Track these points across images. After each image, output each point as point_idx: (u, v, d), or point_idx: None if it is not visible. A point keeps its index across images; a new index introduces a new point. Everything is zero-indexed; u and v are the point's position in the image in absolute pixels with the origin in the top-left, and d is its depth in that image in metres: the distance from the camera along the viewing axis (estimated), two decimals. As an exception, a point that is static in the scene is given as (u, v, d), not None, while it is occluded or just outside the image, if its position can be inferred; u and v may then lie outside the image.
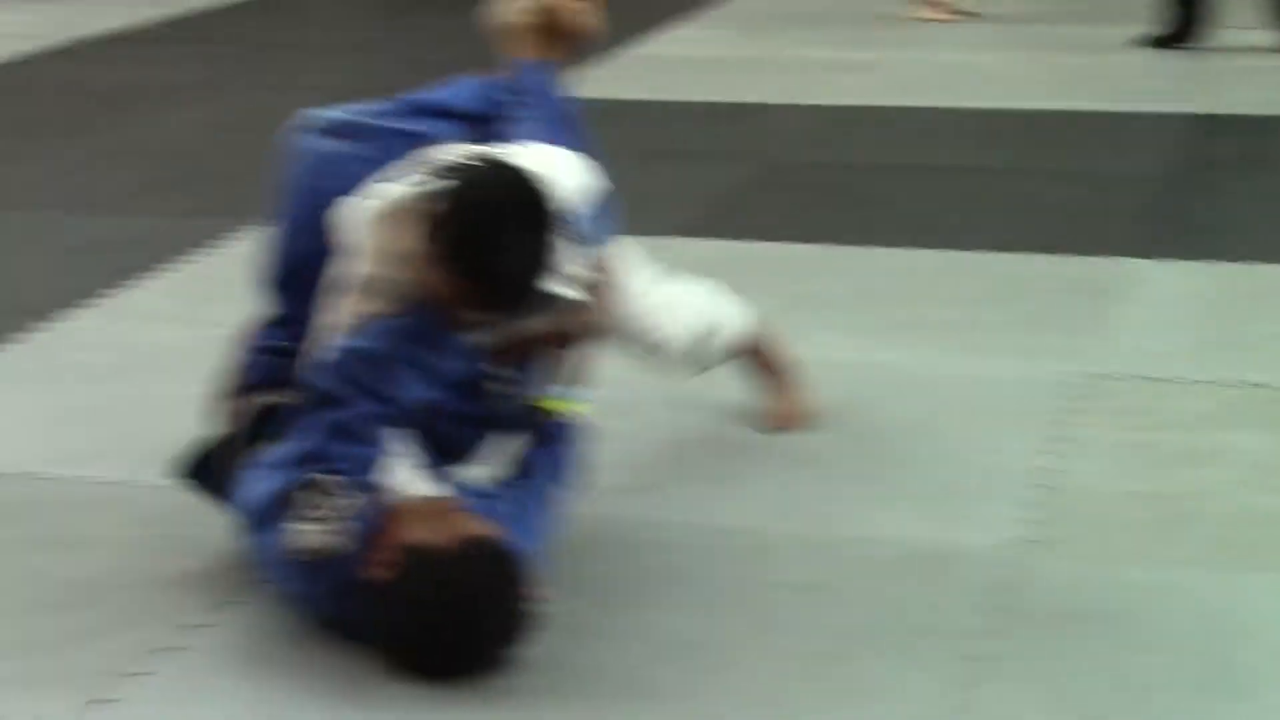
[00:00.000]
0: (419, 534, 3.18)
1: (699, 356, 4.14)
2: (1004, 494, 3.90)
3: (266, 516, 3.26)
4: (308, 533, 3.19)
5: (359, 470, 3.23)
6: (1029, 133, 7.39)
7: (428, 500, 3.27)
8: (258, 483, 3.32)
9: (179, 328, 5.02)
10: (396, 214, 3.34)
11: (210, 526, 3.64)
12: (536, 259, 3.27)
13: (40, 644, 3.30)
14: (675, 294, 4.06)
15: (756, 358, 4.31)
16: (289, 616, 3.35)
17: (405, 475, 3.31)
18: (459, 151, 3.52)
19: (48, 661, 3.24)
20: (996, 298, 5.22)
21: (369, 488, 3.24)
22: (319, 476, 3.20)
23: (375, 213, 3.35)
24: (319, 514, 3.19)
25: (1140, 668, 3.19)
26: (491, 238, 3.22)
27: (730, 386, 4.35)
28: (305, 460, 3.24)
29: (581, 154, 3.63)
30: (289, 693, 3.13)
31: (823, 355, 4.68)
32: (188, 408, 4.17)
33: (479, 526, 3.23)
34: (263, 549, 3.30)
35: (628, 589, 3.51)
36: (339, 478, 3.20)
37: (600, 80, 8.31)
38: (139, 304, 5.23)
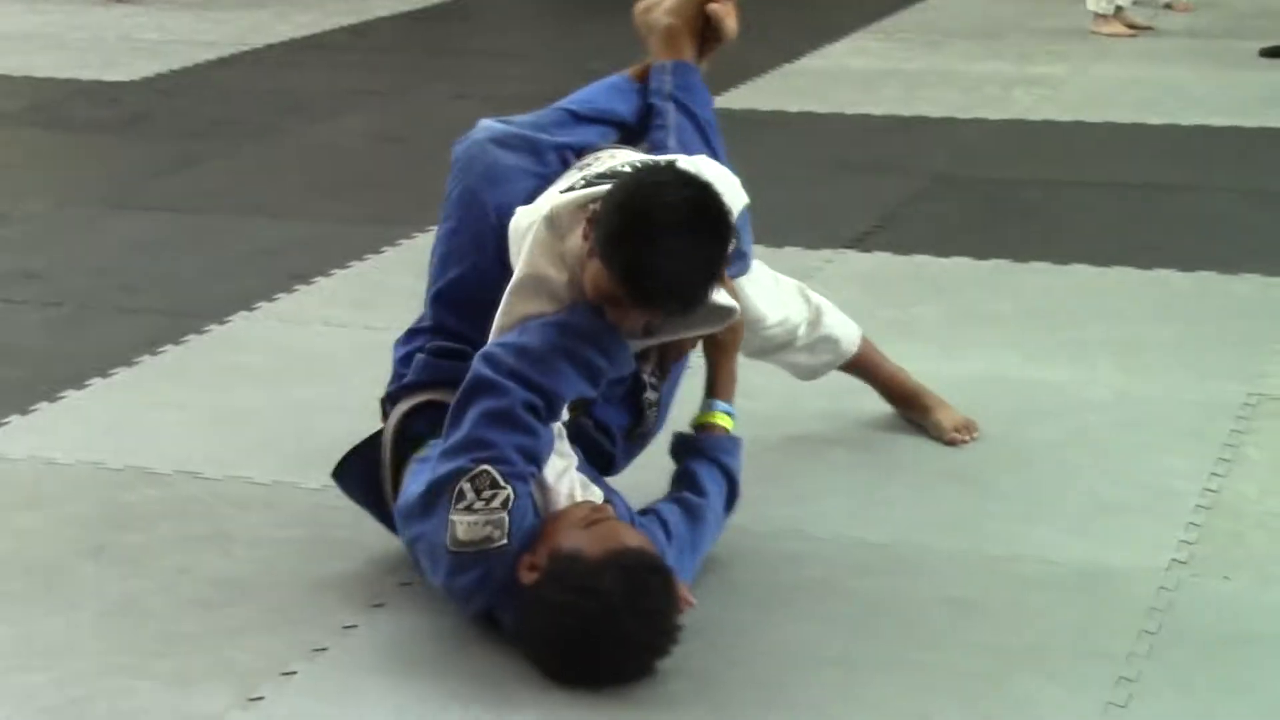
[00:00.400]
0: (572, 540, 3.16)
1: (812, 348, 4.12)
2: (1166, 514, 3.82)
3: (428, 505, 3.25)
4: (466, 523, 3.18)
5: (520, 460, 3.21)
6: (1211, 149, 7.25)
7: (586, 507, 3.27)
8: (421, 474, 3.32)
9: (341, 332, 5.06)
10: (562, 216, 3.34)
11: (361, 530, 3.66)
12: (698, 263, 3.23)
13: (190, 641, 3.33)
14: (783, 289, 4.05)
15: (870, 371, 4.28)
16: (437, 620, 3.37)
17: (564, 475, 3.30)
18: (623, 158, 3.52)
19: (196, 658, 3.27)
20: (1169, 316, 5.12)
21: (528, 480, 3.23)
22: (485, 467, 3.18)
23: (542, 216, 3.35)
24: (479, 505, 3.17)
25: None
26: (649, 235, 3.19)
27: (878, 400, 4.31)
28: (467, 447, 3.21)
29: (724, 162, 3.61)
30: (432, 697, 3.13)
31: (988, 371, 4.62)
32: (344, 412, 4.21)
33: (633, 538, 3.21)
34: (420, 538, 3.30)
35: (774, 601, 3.48)
36: (502, 468, 3.18)
37: (772, 92, 8.28)
38: (303, 308, 5.28)
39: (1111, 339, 4.88)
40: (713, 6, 3.81)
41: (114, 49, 9.69)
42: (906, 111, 7.97)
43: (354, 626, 3.38)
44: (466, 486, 3.18)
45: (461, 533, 3.18)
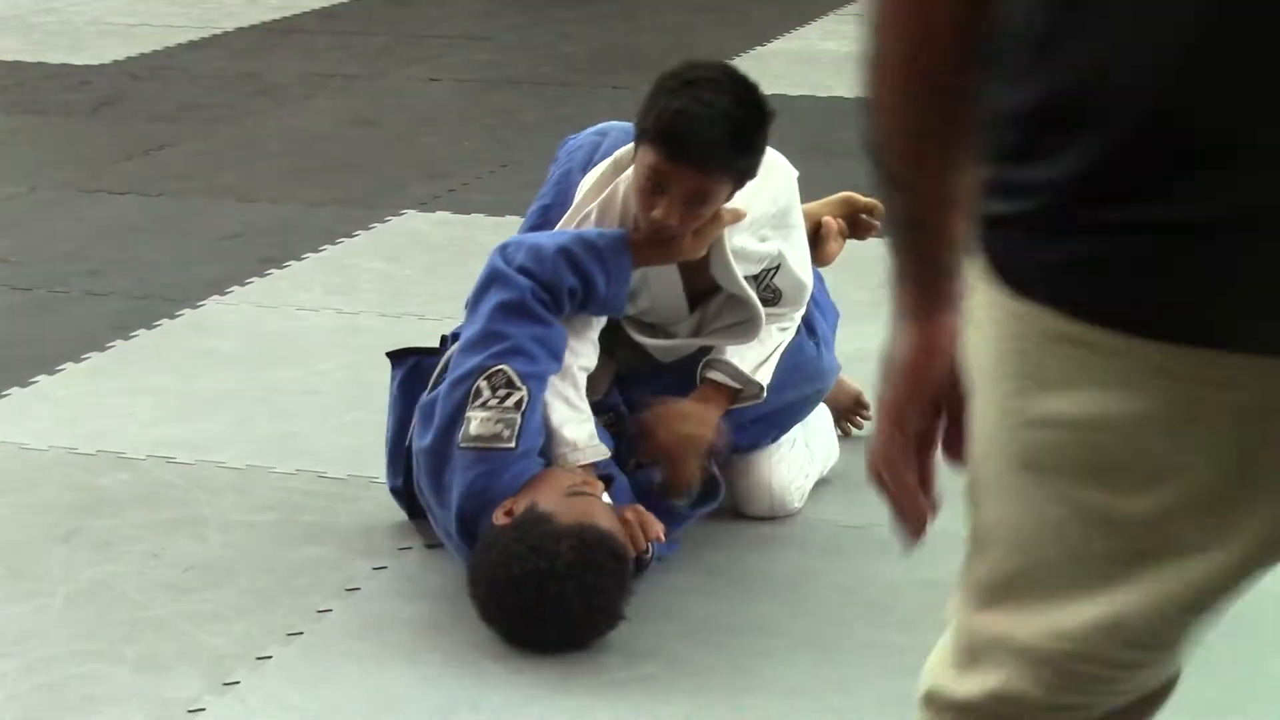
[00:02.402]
0: (549, 502, 3.19)
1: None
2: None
3: (448, 398, 3.31)
4: (480, 419, 3.24)
5: (537, 349, 3.29)
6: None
7: (578, 476, 3.30)
8: (446, 379, 3.38)
9: (313, 316, 5.04)
10: (624, 155, 3.49)
11: (335, 514, 3.66)
12: (727, 110, 3.31)
13: (162, 626, 3.32)
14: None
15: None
16: (411, 604, 3.36)
17: (568, 423, 3.32)
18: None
19: (169, 643, 3.26)
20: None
21: (544, 381, 3.30)
22: (502, 366, 3.26)
23: (610, 159, 3.52)
24: (493, 402, 3.24)
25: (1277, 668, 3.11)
26: (683, 87, 3.31)
27: (860, 383, 4.31)
28: (485, 340, 3.29)
29: None
30: (407, 680, 3.13)
31: (959, 352, 4.62)
32: (316, 395, 4.19)
33: (605, 519, 3.21)
34: (426, 447, 3.34)
35: (749, 583, 3.48)
36: (519, 364, 3.26)
37: (751, 75, 8.28)
38: (275, 292, 5.26)
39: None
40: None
41: (83, 32, 9.66)
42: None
43: (328, 610, 3.37)
44: (483, 384, 3.26)
45: (474, 428, 3.25)
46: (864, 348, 4.67)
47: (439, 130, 7.37)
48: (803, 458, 3.80)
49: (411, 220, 5.90)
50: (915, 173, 1.59)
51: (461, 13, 10.35)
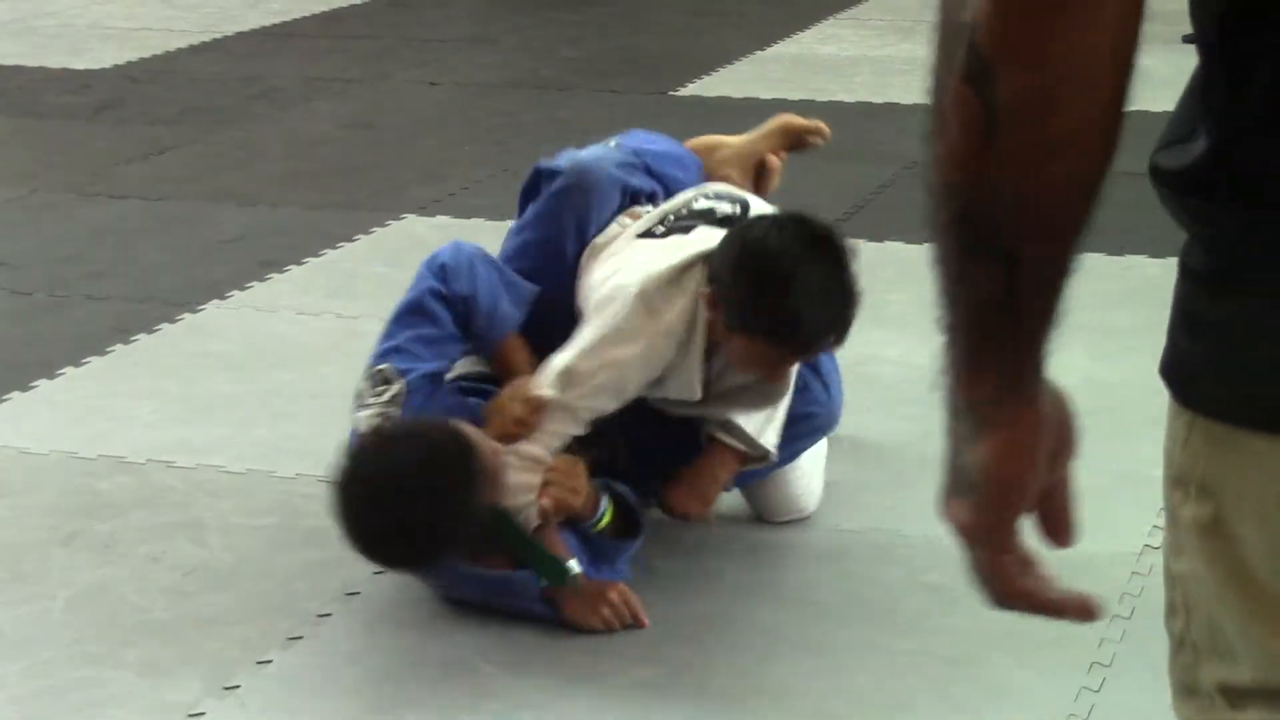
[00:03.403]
0: (469, 428, 3.23)
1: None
2: (1137, 499, 3.82)
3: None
4: (363, 418, 3.34)
5: (422, 349, 3.37)
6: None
7: (522, 418, 3.30)
8: None
9: (313, 320, 5.04)
10: (653, 294, 3.34)
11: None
12: (836, 288, 3.26)
13: (162, 629, 3.33)
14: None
15: None
16: (411, 608, 3.37)
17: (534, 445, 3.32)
18: (695, 196, 3.55)
19: (169, 647, 3.26)
20: (1139, 302, 5.12)
21: (428, 376, 3.36)
22: (382, 366, 3.37)
23: (633, 295, 3.33)
24: (372, 399, 3.35)
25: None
26: (780, 284, 3.20)
27: (854, 387, 4.31)
28: (378, 346, 3.43)
29: None
30: (407, 683, 3.13)
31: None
32: (316, 400, 4.20)
33: (486, 455, 3.18)
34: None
35: (749, 587, 3.48)
36: (399, 362, 3.35)
37: (744, 79, 8.27)
38: (275, 296, 5.26)
39: (1081, 324, 4.83)
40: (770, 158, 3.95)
41: (84, 36, 9.65)
42: (878, 99, 7.97)
43: (328, 615, 3.37)
44: (364, 385, 3.38)
45: (362, 427, 3.33)
46: (857, 352, 4.69)
47: (439, 134, 7.37)
48: (819, 457, 3.80)
49: (412, 224, 5.90)
50: (1047, 236, 1.30)
51: (462, 16, 10.34)
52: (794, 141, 4.08)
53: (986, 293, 1.31)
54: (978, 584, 1.44)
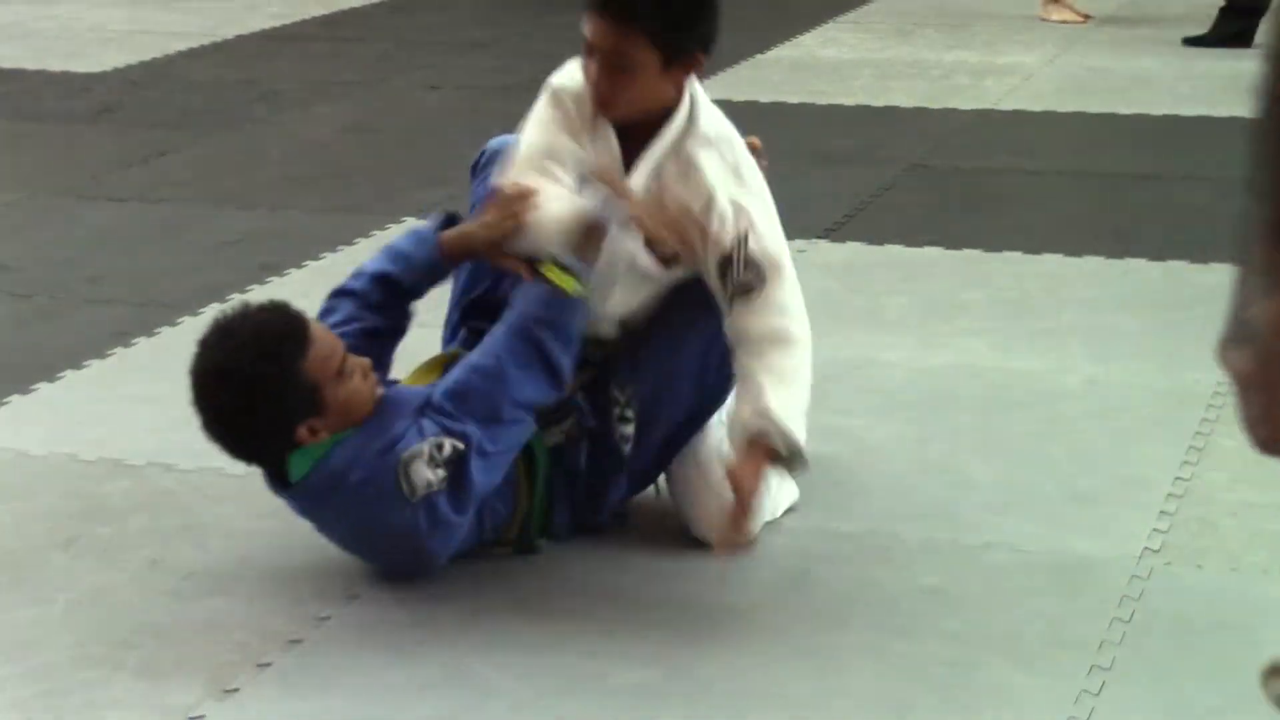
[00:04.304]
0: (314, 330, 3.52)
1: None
2: (1138, 503, 3.84)
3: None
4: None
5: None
6: (1181, 139, 7.26)
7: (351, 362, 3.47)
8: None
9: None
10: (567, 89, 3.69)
11: (335, 520, 3.65)
12: None
13: (163, 633, 3.33)
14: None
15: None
16: (411, 611, 3.37)
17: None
18: None
19: (170, 650, 3.26)
20: (1140, 305, 5.13)
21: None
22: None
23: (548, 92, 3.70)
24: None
25: (1271, 683, 3.11)
26: None
27: (852, 390, 4.31)
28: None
29: None
30: (407, 687, 3.14)
31: (960, 360, 4.63)
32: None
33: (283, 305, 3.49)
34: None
35: (748, 591, 3.48)
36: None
37: (744, 82, 8.27)
38: (276, 299, 5.25)
39: (1083, 328, 4.89)
40: None
41: (84, 39, 9.66)
42: (878, 102, 7.98)
43: (328, 618, 3.37)
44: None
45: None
46: (857, 355, 4.71)
47: (439, 137, 7.37)
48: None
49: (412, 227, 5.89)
50: None
51: (462, 20, 10.35)
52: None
53: None
54: (1246, 428, 1.58)
